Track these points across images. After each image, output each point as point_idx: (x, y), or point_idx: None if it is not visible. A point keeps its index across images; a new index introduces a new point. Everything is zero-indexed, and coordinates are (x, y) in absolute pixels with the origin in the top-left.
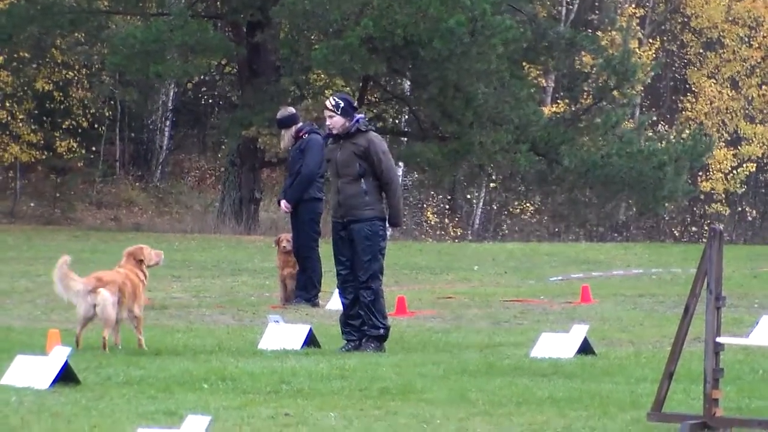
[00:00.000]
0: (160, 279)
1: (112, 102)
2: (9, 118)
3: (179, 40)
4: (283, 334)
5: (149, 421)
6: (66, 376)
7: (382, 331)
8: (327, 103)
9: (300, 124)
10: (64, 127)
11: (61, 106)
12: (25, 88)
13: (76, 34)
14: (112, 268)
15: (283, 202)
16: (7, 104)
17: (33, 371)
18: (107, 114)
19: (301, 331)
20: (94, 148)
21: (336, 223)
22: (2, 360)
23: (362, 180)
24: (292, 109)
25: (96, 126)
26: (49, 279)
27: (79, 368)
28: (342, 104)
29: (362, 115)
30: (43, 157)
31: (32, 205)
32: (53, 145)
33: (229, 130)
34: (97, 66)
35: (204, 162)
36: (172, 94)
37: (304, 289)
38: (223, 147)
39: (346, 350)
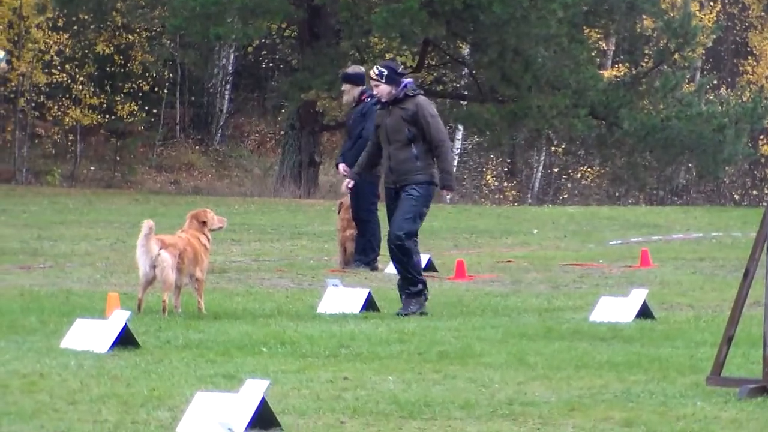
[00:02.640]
0: (219, 242)
1: (172, 65)
2: (70, 81)
3: (239, 3)
4: (342, 297)
5: (208, 385)
6: (125, 340)
7: (420, 286)
8: (371, 72)
9: (364, 87)
10: (124, 90)
11: (122, 70)
12: (86, 51)
13: None
14: (172, 231)
15: (342, 166)
16: (68, 68)
17: (92, 335)
18: (167, 77)
19: (360, 295)
20: (155, 111)
21: (389, 189)
22: (62, 323)
23: (413, 145)
24: (362, 69)
25: (156, 89)
26: (108, 242)
27: (138, 332)
28: (386, 72)
29: (410, 80)
30: (104, 120)
31: (93, 168)
32: (114, 108)
33: (288, 94)
34: (157, 29)
35: (264, 125)
36: (232, 57)
37: (363, 253)
38: (283, 110)
39: (403, 314)
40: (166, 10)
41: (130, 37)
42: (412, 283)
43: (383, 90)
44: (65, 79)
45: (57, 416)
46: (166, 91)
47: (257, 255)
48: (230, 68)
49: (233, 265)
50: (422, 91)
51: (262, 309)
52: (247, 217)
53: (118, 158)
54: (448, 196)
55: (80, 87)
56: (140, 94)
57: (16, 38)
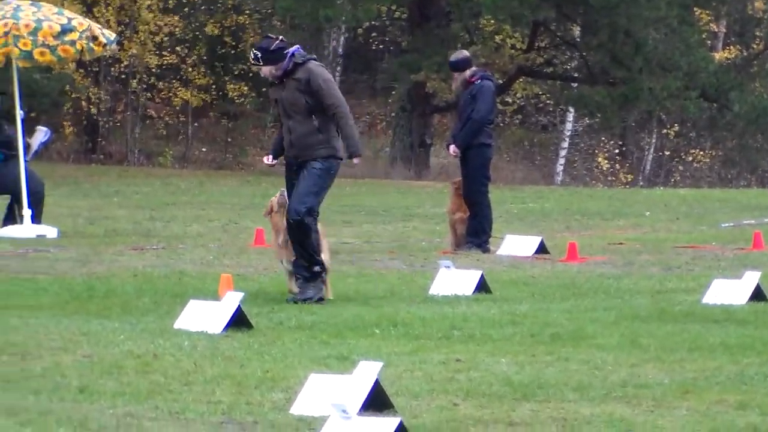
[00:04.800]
0: (331, 224)
1: None
2: (180, 62)
3: None
4: (454, 279)
5: (321, 366)
6: (239, 321)
7: (317, 267)
8: (250, 59)
9: (473, 68)
10: (235, 71)
11: (233, 51)
12: (197, 33)
13: None
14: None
15: (452, 147)
16: (179, 49)
17: (206, 316)
18: None
19: (472, 277)
20: (265, 92)
21: (290, 164)
22: (175, 305)
23: (313, 116)
24: (465, 53)
25: None
26: (220, 223)
27: (251, 313)
28: (260, 54)
29: (296, 47)
30: (215, 102)
31: (204, 149)
32: (225, 89)
33: (398, 75)
34: (267, 10)
35: (374, 107)
36: (342, 39)
37: (474, 234)
38: (393, 92)
39: (300, 300)
40: None
41: (241, 18)
42: (309, 264)
43: (265, 71)
44: (176, 60)
45: (171, 397)
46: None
47: (369, 237)
48: (340, 50)
49: (345, 246)
50: (313, 56)
51: (374, 291)
52: (358, 199)
53: (229, 139)
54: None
55: (190, 68)
56: (251, 75)
57: (127, 20)
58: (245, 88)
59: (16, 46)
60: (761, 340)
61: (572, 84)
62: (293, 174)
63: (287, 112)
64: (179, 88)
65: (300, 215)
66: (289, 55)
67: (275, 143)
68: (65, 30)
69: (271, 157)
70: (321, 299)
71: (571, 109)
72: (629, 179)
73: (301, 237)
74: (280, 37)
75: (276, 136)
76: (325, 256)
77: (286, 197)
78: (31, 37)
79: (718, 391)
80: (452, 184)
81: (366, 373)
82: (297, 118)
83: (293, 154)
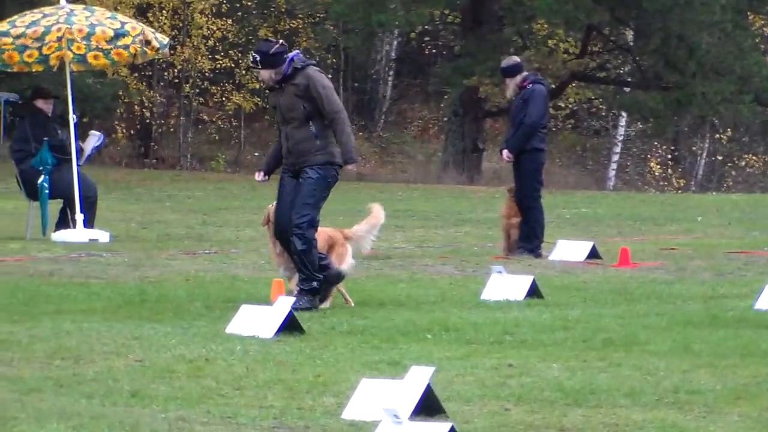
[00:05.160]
0: (383, 229)
1: (335, 51)
2: (234, 67)
3: None
4: (506, 284)
5: (373, 371)
6: (290, 326)
7: (315, 284)
8: (249, 62)
9: (525, 73)
10: None
11: None
12: (249, 37)
13: None
14: (335, 218)
15: (505, 152)
16: (232, 53)
17: (258, 320)
18: (331, 63)
19: (524, 282)
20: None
21: (286, 172)
22: (227, 309)
23: (311, 123)
24: (517, 58)
25: None
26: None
27: (303, 317)
28: (259, 57)
29: (296, 53)
30: (267, 106)
31: (256, 154)
32: None
33: (451, 80)
34: (320, 15)
35: (427, 112)
36: (395, 43)
37: (526, 239)
38: (446, 97)
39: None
40: None
41: (294, 22)
42: (307, 278)
43: (264, 75)
44: (229, 64)
45: (223, 401)
46: (329, 77)
47: (421, 241)
48: (393, 54)
49: (397, 251)
50: (313, 62)
51: (426, 295)
52: (410, 204)
53: None
54: (351, 168)
55: (243, 72)
56: None
57: (180, 24)
58: None
59: (70, 50)
60: None
61: (625, 89)
62: (290, 183)
63: (285, 118)
64: (232, 93)
65: (301, 229)
66: (288, 59)
67: (269, 158)
68: (118, 34)
69: (262, 173)
70: (314, 308)
71: (624, 114)
72: (682, 184)
73: (302, 250)
74: (280, 41)
75: (270, 150)
76: (344, 265)
77: None
78: (84, 42)
79: None
80: (507, 189)
81: (418, 378)
82: (294, 124)
83: (291, 161)
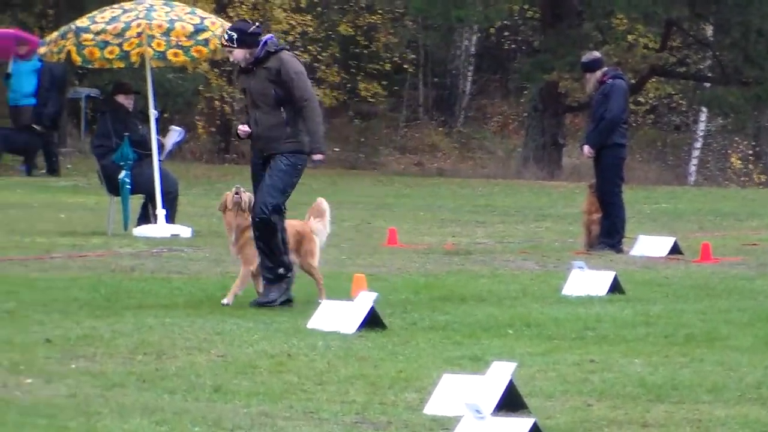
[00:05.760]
0: (464, 224)
1: (415, 46)
2: (313, 62)
3: None
4: (588, 280)
5: (455, 367)
6: (372, 321)
7: (281, 270)
8: (222, 40)
9: (605, 68)
10: (368, 71)
11: (365, 51)
12: (329, 32)
13: None
14: (416, 213)
15: (585, 147)
16: (311, 48)
17: (339, 316)
18: (411, 58)
19: (605, 278)
20: (397, 92)
21: (255, 157)
22: (309, 304)
23: (282, 109)
24: (597, 54)
25: (399, 70)
26: (353, 223)
27: (385, 313)
28: (236, 35)
29: (270, 36)
30: (348, 101)
31: (336, 149)
32: (357, 89)
33: (530, 75)
34: (400, 11)
35: (506, 107)
36: (474, 38)
37: (607, 235)
38: (525, 92)
39: (263, 303)
40: None
41: (373, 18)
42: (273, 265)
43: (238, 55)
44: (309, 59)
45: (305, 396)
46: (409, 72)
47: (501, 237)
48: (472, 50)
49: (478, 247)
50: (287, 46)
51: (507, 291)
52: (491, 199)
53: (361, 139)
54: (319, 159)
55: (323, 68)
56: (384, 76)
57: (260, 20)
58: (378, 87)
59: (150, 47)
60: None
61: (705, 84)
62: (259, 169)
63: (255, 103)
64: (313, 87)
65: (266, 213)
66: (262, 42)
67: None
68: (198, 30)
69: (246, 126)
70: (289, 301)
71: (704, 109)
72: (763, 180)
73: (267, 236)
74: (256, 23)
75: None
76: (314, 261)
77: (243, 196)
78: (164, 38)
79: None
80: (588, 185)
81: (500, 374)
82: (264, 109)
83: (259, 147)
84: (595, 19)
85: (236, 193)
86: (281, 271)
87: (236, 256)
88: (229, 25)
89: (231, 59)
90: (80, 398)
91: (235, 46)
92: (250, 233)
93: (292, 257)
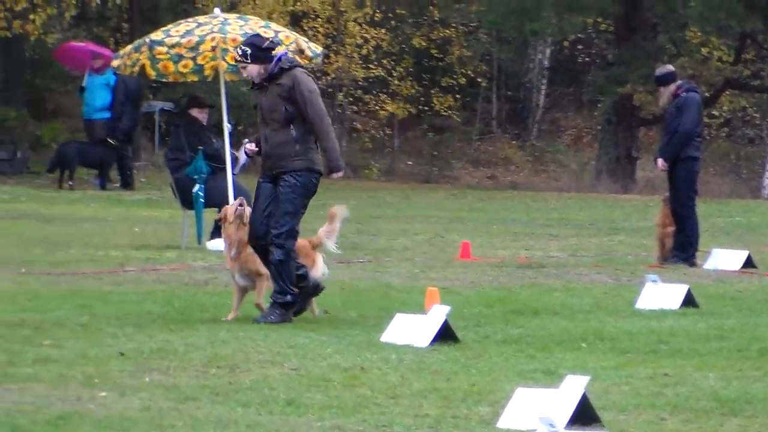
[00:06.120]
0: (537, 238)
1: (488, 60)
2: (387, 75)
3: None
4: (661, 293)
5: (528, 380)
6: (445, 335)
7: (289, 297)
8: (234, 56)
9: (678, 81)
10: (442, 84)
11: (439, 64)
12: (403, 45)
13: None
14: (489, 227)
15: (659, 161)
16: (385, 62)
17: (412, 329)
18: (484, 72)
19: (678, 291)
20: (471, 105)
21: (263, 175)
22: (382, 318)
23: (291, 126)
24: (670, 67)
25: (473, 84)
26: (426, 237)
27: (458, 326)
28: (249, 51)
29: (284, 52)
30: (421, 114)
31: (410, 163)
32: (431, 102)
33: (604, 88)
34: (474, 24)
35: (580, 120)
36: (548, 52)
37: (681, 248)
38: (599, 105)
39: (261, 321)
40: (483, 5)
41: (447, 31)
42: (282, 291)
43: (252, 71)
44: (382, 73)
45: (378, 410)
46: (483, 85)
47: (575, 250)
48: (546, 63)
49: (551, 260)
50: (300, 63)
51: (580, 304)
52: (564, 212)
53: (435, 153)
54: (338, 176)
55: (397, 81)
56: (457, 89)
57: (334, 33)
58: (452, 100)
59: (224, 60)
60: None
61: None
62: (267, 188)
63: (265, 119)
64: (385, 101)
65: (280, 239)
66: (276, 59)
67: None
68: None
69: (254, 145)
70: (285, 322)
71: None
72: None
73: (280, 261)
74: (270, 38)
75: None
76: (315, 272)
77: (246, 210)
78: None
79: None
80: (662, 199)
81: (573, 387)
82: (274, 126)
83: (268, 164)
84: (670, 32)
85: (240, 205)
86: (289, 298)
87: (235, 271)
88: (302, 38)
89: (244, 75)
90: (154, 411)
91: (249, 61)
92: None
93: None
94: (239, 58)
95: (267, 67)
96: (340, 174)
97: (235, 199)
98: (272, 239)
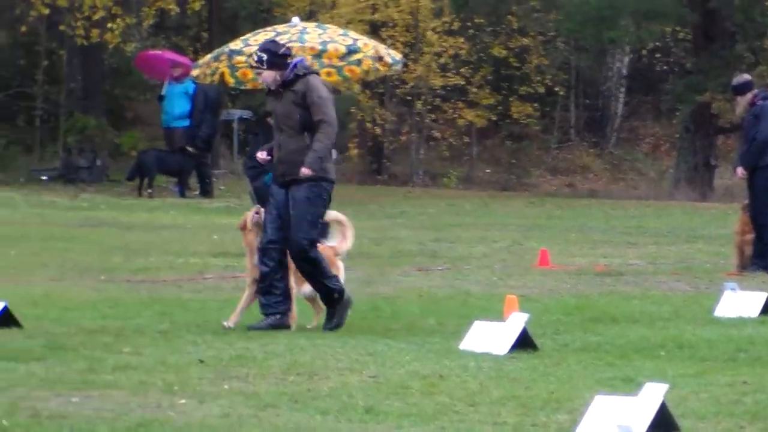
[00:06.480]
0: (615, 246)
1: (566, 68)
2: (465, 84)
3: (633, 6)
4: (740, 301)
5: (607, 388)
6: (524, 342)
7: (336, 294)
8: (251, 61)
9: (755, 90)
10: (520, 93)
11: (518, 73)
12: (481, 54)
13: (531, 2)
14: (566, 236)
15: (739, 169)
16: (464, 70)
17: (491, 337)
18: (562, 80)
19: (758, 299)
20: (549, 113)
21: (276, 181)
22: (461, 325)
23: (306, 133)
24: (747, 76)
25: (551, 92)
26: (504, 244)
27: (536, 334)
28: (265, 56)
29: (300, 58)
30: (500, 123)
31: (488, 171)
32: (509, 110)
33: (682, 96)
34: (552, 33)
35: (658, 128)
36: (626, 60)
37: (760, 256)
38: (677, 113)
39: (327, 329)
40: (561, 13)
41: (525, 40)
42: (325, 292)
43: (268, 77)
44: (461, 81)
45: (457, 418)
46: (561, 93)
47: (653, 258)
48: (624, 71)
49: (630, 268)
50: (316, 70)
51: (659, 312)
52: (642, 220)
53: (513, 161)
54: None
55: (475, 89)
56: (535, 97)
57: (413, 41)
58: (531, 109)
59: None
60: None
61: None
62: (280, 195)
63: (279, 126)
64: (463, 109)
65: (304, 250)
66: (291, 65)
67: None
68: (351, 51)
69: (265, 153)
70: (339, 325)
71: None
72: None
73: (309, 269)
74: (286, 44)
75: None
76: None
77: (263, 216)
78: (316, 60)
79: None
80: (741, 206)
81: (652, 395)
82: (288, 132)
83: (281, 170)
84: (748, 41)
85: (256, 213)
86: (335, 296)
87: (253, 278)
88: (381, 45)
89: (260, 81)
90: (233, 418)
91: (265, 67)
92: None
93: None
94: (255, 64)
95: (283, 73)
96: (306, 172)
97: None
98: (296, 255)
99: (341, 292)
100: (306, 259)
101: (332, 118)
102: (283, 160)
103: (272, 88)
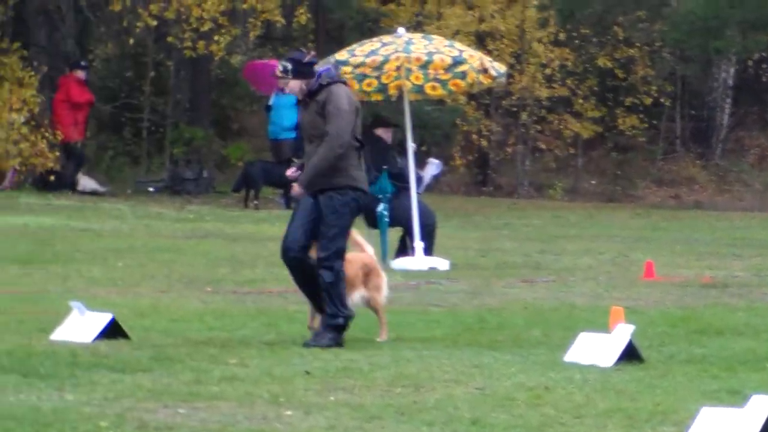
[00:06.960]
0: (721, 257)
1: (672, 78)
2: (571, 95)
3: (739, 16)
4: None
5: (712, 400)
6: (629, 354)
7: (341, 320)
8: (277, 71)
9: None
10: (626, 104)
11: (623, 83)
12: (587, 65)
13: (638, 12)
14: (673, 246)
15: None
16: (569, 81)
17: (596, 349)
18: (668, 91)
19: None
20: (655, 124)
21: (306, 191)
22: (566, 337)
23: None
24: None
25: (657, 104)
26: (610, 256)
27: (642, 346)
28: (290, 66)
29: (327, 68)
30: (605, 134)
31: (593, 182)
32: (615, 121)
33: None
34: (658, 43)
35: (764, 139)
36: (732, 70)
37: None
38: None
39: (312, 345)
40: (667, 24)
41: (631, 50)
42: (333, 316)
43: (293, 87)
44: (566, 92)
45: (563, 430)
46: (667, 104)
47: (758, 270)
48: (730, 81)
49: (735, 279)
50: (344, 80)
51: (765, 324)
52: (748, 232)
53: (618, 172)
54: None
55: (581, 100)
56: (641, 108)
57: (518, 52)
58: (636, 120)
59: (408, 80)
60: None
61: None
62: (310, 205)
63: (307, 136)
64: (569, 120)
65: (330, 261)
66: (317, 74)
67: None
68: (456, 62)
69: (296, 169)
70: (335, 346)
71: None
72: None
73: (330, 283)
74: (312, 53)
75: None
76: (381, 296)
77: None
78: (422, 71)
79: None
80: None
81: (758, 407)
82: (316, 142)
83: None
84: None
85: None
86: (341, 321)
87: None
88: (486, 57)
89: (286, 91)
90: (339, 430)
91: (290, 77)
92: None
93: (361, 292)
94: (280, 74)
95: (309, 82)
96: (295, 189)
97: (419, 218)
98: (321, 262)
99: (347, 320)
100: (329, 268)
101: (340, 131)
102: None
103: (299, 97)
